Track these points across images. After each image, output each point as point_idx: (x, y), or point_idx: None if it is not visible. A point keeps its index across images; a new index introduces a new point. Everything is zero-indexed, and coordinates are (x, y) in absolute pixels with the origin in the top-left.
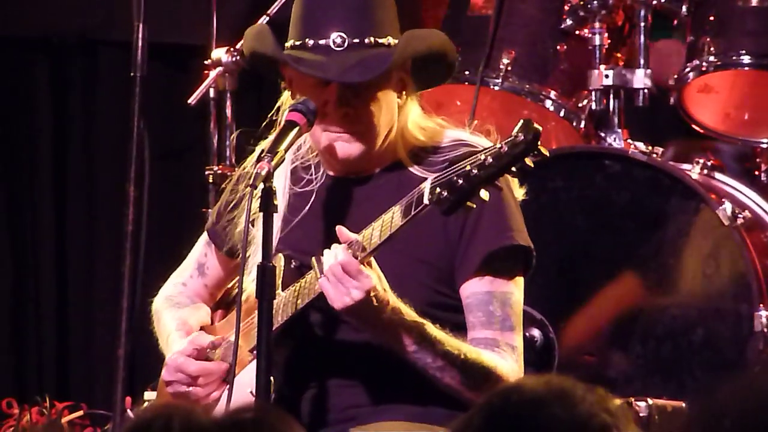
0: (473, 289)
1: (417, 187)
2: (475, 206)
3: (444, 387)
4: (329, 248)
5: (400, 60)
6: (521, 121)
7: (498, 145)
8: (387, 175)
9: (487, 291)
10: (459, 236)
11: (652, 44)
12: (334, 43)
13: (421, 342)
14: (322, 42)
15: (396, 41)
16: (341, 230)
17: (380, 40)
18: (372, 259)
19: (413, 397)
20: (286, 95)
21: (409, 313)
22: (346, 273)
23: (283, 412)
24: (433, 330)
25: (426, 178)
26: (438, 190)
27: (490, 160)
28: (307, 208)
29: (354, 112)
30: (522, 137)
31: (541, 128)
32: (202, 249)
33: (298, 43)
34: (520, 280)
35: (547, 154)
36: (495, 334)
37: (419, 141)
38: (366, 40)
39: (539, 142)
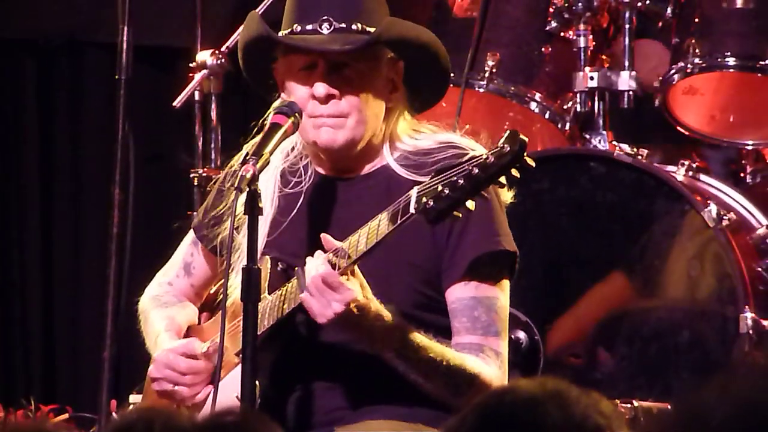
0: (458, 295)
1: (405, 191)
2: (461, 216)
3: (428, 392)
4: (314, 253)
5: (383, 38)
6: (508, 131)
7: (484, 156)
8: (375, 177)
9: (472, 296)
10: (446, 240)
11: (635, 42)
12: (321, 26)
13: (404, 348)
14: (309, 27)
15: None
16: (326, 238)
17: (368, 28)
18: (356, 266)
19: (399, 398)
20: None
21: (392, 320)
22: (327, 286)
23: (266, 416)
24: (417, 336)
25: (414, 181)
26: (424, 199)
27: (476, 170)
28: (295, 210)
29: (339, 95)
30: (508, 148)
31: (527, 139)
32: (188, 248)
33: (287, 31)
34: (506, 285)
35: (534, 165)
36: (479, 339)
37: (408, 145)
38: (353, 26)
39: (525, 153)
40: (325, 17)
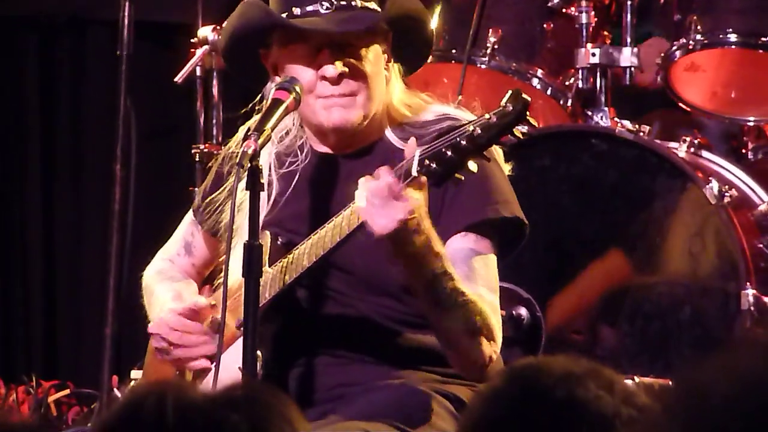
0: (456, 245)
1: (405, 160)
2: (463, 178)
3: (444, 328)
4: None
5: (393, 12)
6: (510, 91)
7: (486, 116)
8: (373, 150)
9: (470, 248)
10: (440, 206)
11: (639, 45)
12: (322, 6)
13: (442, 271)
14: (310, 8)
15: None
16: (412, 142)
17: (366, 4)
18: (424, 180)
19: (399, 373)
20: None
21: (436, 242)
22: (390, 195)
23: (276, 389)
24: (449, 265)
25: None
26: (426, 161)
27: (479, 131)
28: (291, 186)
29: (349, 73)
30: (511, 108)
31: (529, 98)
32: (187, 228)
33: (285, 14)
34: (495, 258)
35: (537, 125)
36: (478, 289)
37: (404, 116)
38: (353, 3)
39: (528, 113)
40: None
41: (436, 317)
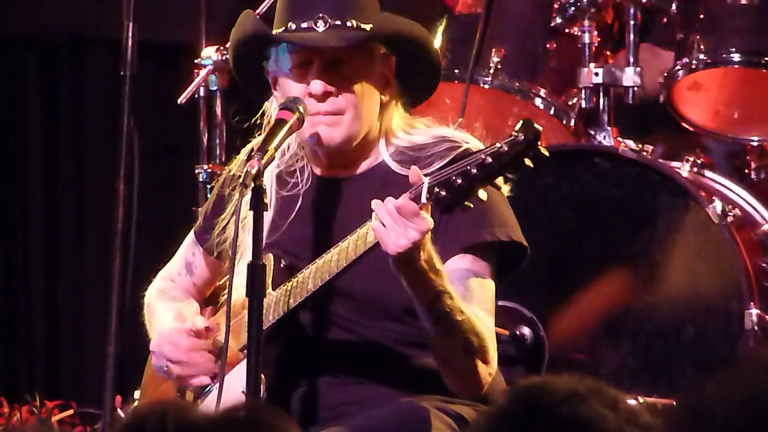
0: (453, 266)
1: (400, 187)
2: (472, 206)
3: (441, 346)
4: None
5: (381, 33)
6: (521, 120)
7: (498, 145)
8: (372, 174)
9: (467, 269)
10: (436, 228)
11: (624, 51)
12: (315, 24)
13: (442, 289)
14: (304, 25)
15: None
16: (415, 170)
17: (362, 25)
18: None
19: (402, 395)
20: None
21: (437, 260)
22: (401, 215)
23: (278, 410)
24: (450, 286)
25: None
26: (436, 189)
27: (490, 159)
28: (295, 211)
29: (336, 92)
30: (522, 137)
31: (541, 128)
32: (189, 248)
33: (281, 29)
34: (492, 281)
35: (548, 155)
36: (475, 310)
37: (403, 140)
38: (348, 23)
39: (540, 142)
40: (320, 14)
41: (435, 335)
